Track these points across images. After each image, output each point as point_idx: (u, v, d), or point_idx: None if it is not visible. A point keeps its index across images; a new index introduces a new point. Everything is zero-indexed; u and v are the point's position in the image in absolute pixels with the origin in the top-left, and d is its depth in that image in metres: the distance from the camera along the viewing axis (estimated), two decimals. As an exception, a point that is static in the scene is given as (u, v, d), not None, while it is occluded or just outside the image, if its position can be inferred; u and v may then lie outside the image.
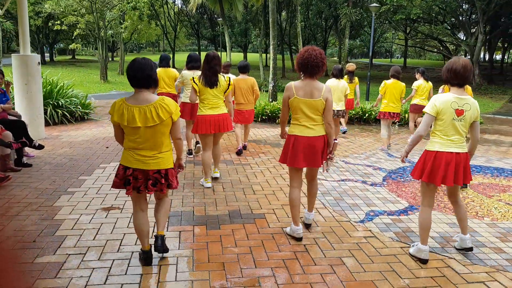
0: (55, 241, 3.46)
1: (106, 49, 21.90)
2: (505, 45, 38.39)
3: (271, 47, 11.91)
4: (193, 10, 18.25)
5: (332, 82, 7.41)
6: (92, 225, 3.79)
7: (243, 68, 6.72)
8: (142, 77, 2.87)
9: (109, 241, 3.50)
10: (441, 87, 7.31)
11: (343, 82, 7.65)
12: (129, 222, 3.89)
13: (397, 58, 63.04)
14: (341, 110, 7.54)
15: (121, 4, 19.64)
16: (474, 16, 26.21)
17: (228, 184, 5.17)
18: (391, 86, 7.33)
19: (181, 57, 52.18)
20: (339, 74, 7.59)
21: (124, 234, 3.64)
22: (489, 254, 3.57)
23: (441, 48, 33.60)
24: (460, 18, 27.38)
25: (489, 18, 24.67)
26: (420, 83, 8.22)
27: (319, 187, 4.90)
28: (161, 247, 3.16)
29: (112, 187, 3.07)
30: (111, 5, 18.66)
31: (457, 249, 3.61)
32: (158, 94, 7.35)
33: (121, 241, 3.51)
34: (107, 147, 6.90)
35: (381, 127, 7.61)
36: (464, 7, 24.64)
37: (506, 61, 42.21)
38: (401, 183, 5.59)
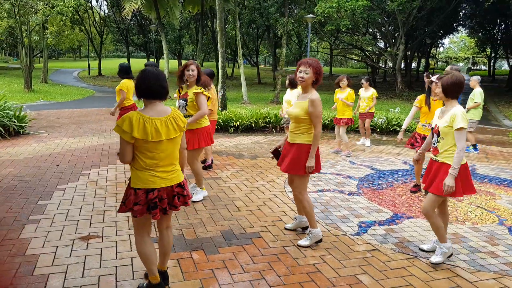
0: (36, 281, 2.92)
1: (30, 56, 20.03)
2: (419, 55, 42.03)
3: (219, 55, 11.66)
4: (128, 15, 17.35)
5: (289, 93, 7.33)
6: (74, 259, 3.28)
7: (211, 76, 6.42)
8: (158, 88, 2.59)
9: (101, 277, 3.04)
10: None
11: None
12: (116, 252, 3.43)
13: (323, 66, 65.98)
14: None
15: (45, 8, 18.06)
16: (391, 28, 28.20)
17: (208, 201, 4.85)
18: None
19: (108, 64, 49.79)
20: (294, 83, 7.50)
21: (116, 267, 3.19)
22: (487, 259, 3.68)
23: (364, 57, 35.72)
24: (382, 29, 29.36)
25: (407, 30, 26.72)
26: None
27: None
28: (165, 284, 2.87)
29: (134, 215, 2.64)
30: (35, 9, 17.05)
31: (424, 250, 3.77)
32: (126, 107, 6.85)
33: (116, 276, 3.06)
34: (58, 165, 6.18)
35: (342, 132, 7.81)
36: (386, 19, 26.39)
37: (421, 69, 46.17)
38: (376, 191, 5.67)
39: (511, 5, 21.74)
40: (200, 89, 4.56)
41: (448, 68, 6.04)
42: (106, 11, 38.64)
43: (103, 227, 3.93)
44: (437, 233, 3.53)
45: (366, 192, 5.61)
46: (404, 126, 5.68)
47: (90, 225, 3.99)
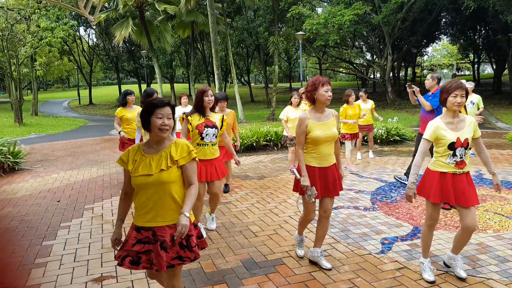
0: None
1: (20, 89, 19.81)
2: (406, 64, 42.64)
3: (216, 77, 11.63)
4: (119, 43, 17.31)
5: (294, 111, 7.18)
6: (91, 305, 3.06)
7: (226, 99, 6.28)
8: None
9: (123, 322, 2.82)
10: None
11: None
12: (134, 292, 3.22)
13: (311, 81, 66.32)
14: None
15: (33, 40, 17.95)
16: (377, 40, 28.62)
17: (222, 229, 4.65)
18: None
19: (98, 92, 49.66)
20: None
21: (137, 309, 2.98)
22: (519, 269, 3.53)
23: (353, 69, 36.12)
24: (369, 42, 29.74)
25: (393, 41, 27.11)
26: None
27: (316, 218, 4.65)
28: None
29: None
30: (24, 42, 16.91)
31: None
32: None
33: (138, 320, 2.84)
34: (58, 201, 5.95)
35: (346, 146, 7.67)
36: (372, 32, 26.78)
37: (409, 77, 46.78)
38: (390, 204, 5.53)
39: (490, 11, 22.19)
40: (222, 115, 4.41)
41: (429, 76, 6.03)
42: (95, 39, 38.77)
43: (115, 266, 3.71)
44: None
45: (381, 206, 5.45)
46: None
47: (101, 264, 3.77)
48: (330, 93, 3.39)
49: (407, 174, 6.36)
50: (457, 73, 63.66)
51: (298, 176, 3.43)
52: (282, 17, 23.76)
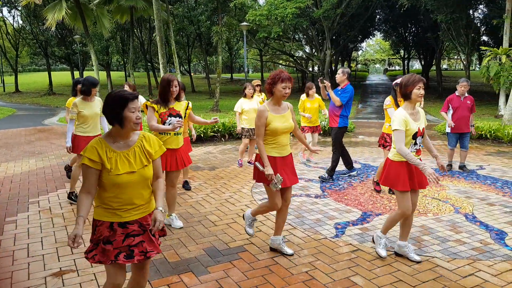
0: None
1: None
2: (343, 58, 44.42)
3: (160, 66, 11.34)
4: (52, 27, 16.17)
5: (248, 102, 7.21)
6: (54, 300, 2.95)
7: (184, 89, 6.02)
8: None
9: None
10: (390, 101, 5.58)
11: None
12: (98, 285, 3.16)
13: (252, 72, 66.89)
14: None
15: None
16: (317, 34, 29.52)
17: (181, 219, 4.65)
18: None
19: (25, 79, 46.10)
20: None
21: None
22: (457, 247, 3.94)
23: (293, 62, 36.92)
24: (309, 35, 30.56)
25: (332, 36, 28.13)
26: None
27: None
28: None
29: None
30: None
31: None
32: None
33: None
34: (-2, 195, 5.57)
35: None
36: (312, 26, 27.52)
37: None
38: (339, 191, 5.85)
39: (422, 10, 23.85)
40: (187, 102, 4.52)
41: (340, 70, 6.04)
42: (21, 22, 35.82)
43: (74, 259, 3.60)
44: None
45: (331, 193, 5.76)
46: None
47: (58, 259, 3.63)
48: (288, 90, 3.51)
49: (329, 171, 6.35)
50: (388, 68, 67.52)
51: (261, 168, 3.51)
52: (224, 6, 23.64)
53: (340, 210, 5.03)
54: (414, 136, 3.46)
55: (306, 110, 7.54)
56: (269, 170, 3.47)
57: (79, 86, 5.57)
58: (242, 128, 7.19)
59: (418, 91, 3.42)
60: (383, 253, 3.70)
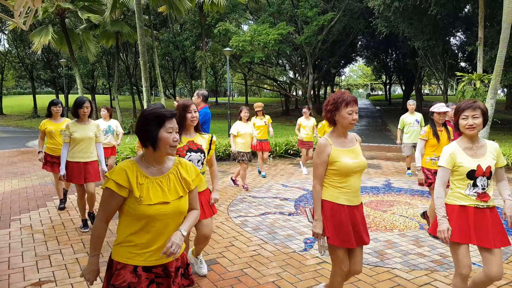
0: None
1: None
2: (325, 83, 45.53)
3: (144, 89, 11.65)
4: (38, 51, 16.43)
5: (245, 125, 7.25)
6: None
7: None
8: None
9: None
10: None
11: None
12: (75, 295, 3.33)
13: (237, 96, 67.70)
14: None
15: None
16: (299, 59, 30.38)
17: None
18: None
19: (9, 102, 45.70)
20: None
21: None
22: (417, 259, 4.22)
23: (277, 86, 37.72)
24: (292, 61, 31.41)
25: (314, 61, 28.99)
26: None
27: (246, 223, 5.15)
28: None
29: None
30: None
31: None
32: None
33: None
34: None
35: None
36: (294, 52, 28.36)
37: (327, 95, 49.82)
38: (312, 209, 6.10)
39: (400, 37, 24.89)
40: (210, 136, 3.60)
41: (195, 93, 5.27)
42: (7, 45, 35.89)
43: (53, 271, 3.76)
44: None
45: (304, 211, 6.01)
46: (419, 163, 5.01)
47: (38, 270, 3.79)
48: (355, 116, 2.75)
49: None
50: (371, 93, 69.18)
51: (310, 219, 2.92)
52: (209, 32, 24.27)
53: (311, 226, 5.27)
54: (471, 176, 2.75)
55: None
56: (318, 228, 2.84)
57: (53, 107, 5.58)
58: (238, 152, 7.17)
59: (464, 121, 2.77)
60: None
